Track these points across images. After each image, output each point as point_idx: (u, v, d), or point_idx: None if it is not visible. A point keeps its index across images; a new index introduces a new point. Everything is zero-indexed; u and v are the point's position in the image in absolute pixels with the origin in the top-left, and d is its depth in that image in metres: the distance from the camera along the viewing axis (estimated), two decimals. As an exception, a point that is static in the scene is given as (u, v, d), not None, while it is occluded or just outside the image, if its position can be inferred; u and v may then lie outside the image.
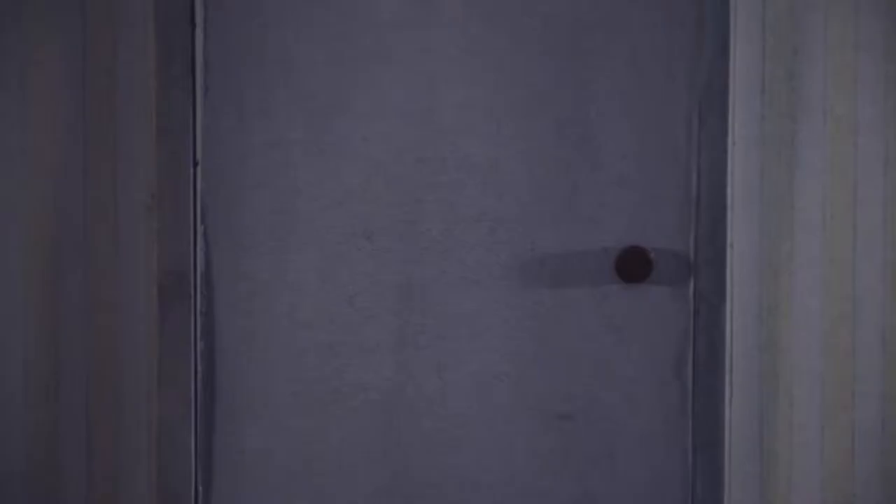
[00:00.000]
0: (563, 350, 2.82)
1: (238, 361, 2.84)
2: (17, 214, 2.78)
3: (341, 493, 2.85)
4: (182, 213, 2.79)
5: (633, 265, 2.75)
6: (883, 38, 2.73)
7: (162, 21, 2.77)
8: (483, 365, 2.83)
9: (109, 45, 2.77)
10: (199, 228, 2.82)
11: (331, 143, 2.83)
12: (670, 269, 2.79)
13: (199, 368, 2.83)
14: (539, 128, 2.81)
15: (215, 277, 2.83)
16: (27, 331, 2.78)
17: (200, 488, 2.84)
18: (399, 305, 2.83)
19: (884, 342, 2.75)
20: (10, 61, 2.76)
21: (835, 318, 2.75)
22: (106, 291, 2.78)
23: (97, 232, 2.78)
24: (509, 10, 2.82)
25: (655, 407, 2.80)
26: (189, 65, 2.78)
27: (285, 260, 2.83)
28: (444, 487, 2.85)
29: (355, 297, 2.83)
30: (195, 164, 2.80)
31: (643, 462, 2.81)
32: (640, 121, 2.78)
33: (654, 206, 2.79)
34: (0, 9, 2.77)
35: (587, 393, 2.81)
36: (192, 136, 2.80)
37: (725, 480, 2.76)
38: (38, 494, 2.79)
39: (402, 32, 2.82)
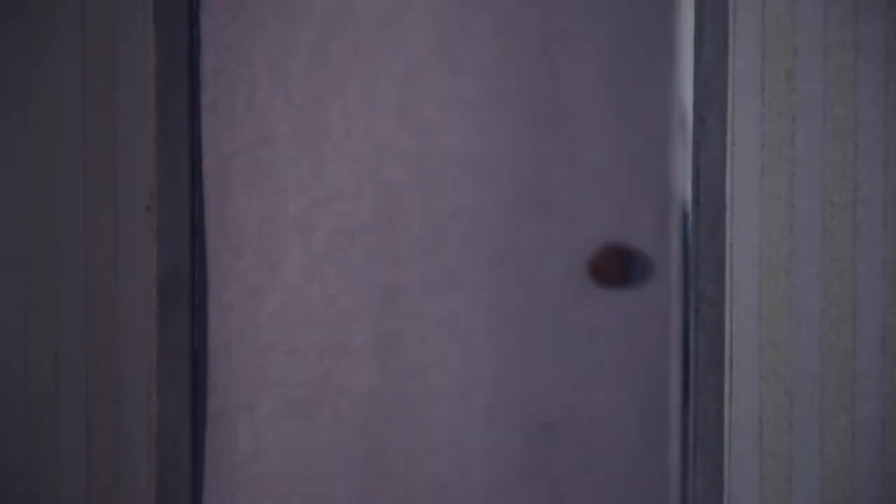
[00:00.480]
0: (544, 355, 2.79)
1: (231, 361, 2.84)
2: (17, 214, 2.78)
3: (325, 498, 2.84)
4: (181, 213, 2.79)
5: (611, 269, 2.73)
6: (883, 38, 2.73)
7: (161, 21, 2.77)
8: (463, 370, 2.80)
9: (109, 44, 2.77)
10: (197, 228, 2.83)
11: (315, 140, 2.82)
12: (650, 270, 2.78)
13: (194, 367, 2.83)
14: (516, 118, 2.79)
15: (210, 277, 2.83)
16: (27, 331, 2.79)
17: (196, 487, 2.84)
18: (380, 307, 2.81)
19: (884, 342, 2.75)
20: (10, 61, 2.77)
21: (835, 318, 2.75)
22: (105, 291, 2.78)
23: (97, 232, 2.78)
24: None
25: (639, 418, 2.79)
26: (188, 65, 2.79)
27: (273, 259, 2.83)
28: (423, 497, 2.83)
29: (338, 297, 2.82)
30: (194, 165, 2.81)
31: (626, 476, 2.79)
32: (620, 112, 2.76)
33: (634, 204, 2.76)
34: (0, 9, 2.77)
35: (569, 401, 2.79)
36: (192, 136, 2.80)
37: (725, 480, 2.76)
38: (38, 493, 2.79)
39: (380, 21, 2.80)
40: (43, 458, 2.79)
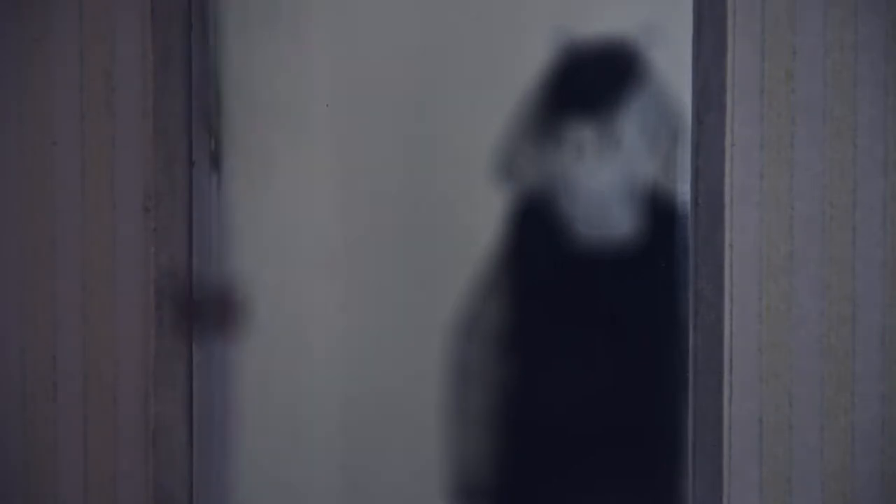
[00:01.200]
0: None
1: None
2: (14, 215, 2.78)
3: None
4: (179, 214, 2.79)
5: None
6: (883, 38, 2.73)
7: (159, 21, 2.77)
8: None
9: (107, 45, 2.77)
10: (197, 228, 2.83)
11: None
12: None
13: (196, 370, 2.84)
14: None
15: (207, 277, 2.83)
16: (24, 332, 2.79)
17: (194, 487, 2.84)
18: None
19: (884, 342, 2.74)
20: (8, 61, 2.77)
21: (834, 318, 2.75)
22: (103, 292, 2.78)
23: (94, 232, 2.78)
24: None
25: None
26: (186, 65, 2.79)
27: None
28: None
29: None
30: (192, 165, 2.81)
31: None
32: None
33: None
34: (-2, 10, 2.78)
35: None
36: (190, 136, 2.80)
37: (725, 481, 2.75)
38: (36, 493, 2.79)
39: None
40: (41, 458, 2.79)
